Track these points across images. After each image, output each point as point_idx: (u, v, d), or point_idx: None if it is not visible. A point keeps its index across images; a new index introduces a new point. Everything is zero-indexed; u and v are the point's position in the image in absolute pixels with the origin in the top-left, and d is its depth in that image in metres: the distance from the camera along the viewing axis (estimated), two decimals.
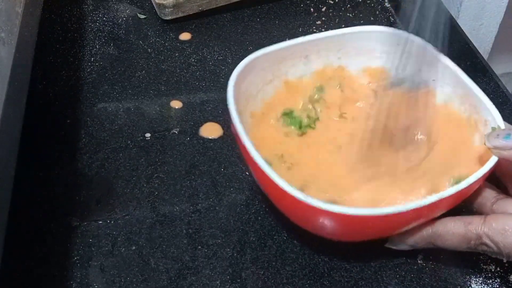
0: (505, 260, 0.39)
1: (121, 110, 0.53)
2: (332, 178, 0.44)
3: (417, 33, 0.43)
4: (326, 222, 0.38)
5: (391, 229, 0.40)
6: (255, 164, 0.38)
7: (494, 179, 0.42)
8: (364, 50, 0.48)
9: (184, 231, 0.44)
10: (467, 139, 0.43)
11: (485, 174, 0.38)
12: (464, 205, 0.41)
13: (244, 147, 0.39)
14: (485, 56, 0.94)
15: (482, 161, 0.40)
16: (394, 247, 0.41)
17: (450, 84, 0.45)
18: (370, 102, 0.48)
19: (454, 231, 0.38)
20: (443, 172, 0.42)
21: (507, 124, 0.41)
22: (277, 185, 0.37)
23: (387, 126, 0.46)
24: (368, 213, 0.36)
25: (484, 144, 0.39)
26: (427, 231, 0.39)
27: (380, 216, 0.36)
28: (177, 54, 0.59)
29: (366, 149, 0.45)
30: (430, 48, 0.45)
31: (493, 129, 0.40)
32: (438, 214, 0.39)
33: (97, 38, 0.61)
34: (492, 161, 0.38)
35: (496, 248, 0.37)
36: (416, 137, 0.46)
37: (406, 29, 0.43)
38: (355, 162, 0.45)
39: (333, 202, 0.39)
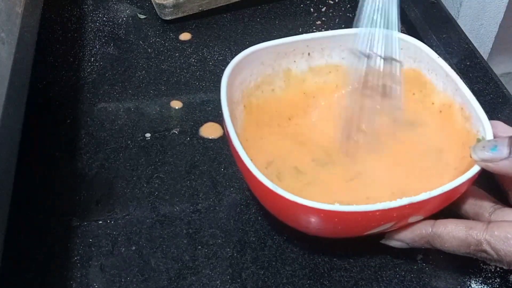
0: (505, 268, 0.38)
1: (121, 110, 0.53)
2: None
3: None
4: (292, 212, 0.38)
5: (356, 228, 0.39)
6: (234, 149, 0.39)
7: (494, 185, 0.42)
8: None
9: (184, 231, 0.44)
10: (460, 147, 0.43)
11: (462, 184, 0.37)
12: (460, 215, 0.41)
13: (227, 132, 0.40)
14: (485, 56, 0.94)
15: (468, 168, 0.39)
16: (389, 244, 0.41)
17: (451, 90, 0.45)
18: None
19: (455, 234, 0.37)
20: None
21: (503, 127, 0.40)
22: (251, 172, 0.37)
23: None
24: (329, 208, 0.35)
25: (470, 156, 0.38)
26: (427, 230, 0.38)
27: (343, 212, 0.36)
28: (177, 54, 0.59)
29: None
30: (430, 52, 0.45)
31: (478, 140, 0.39)
32: (415, 219, 0.39)
33: (97, 38, 0.61)
34: (472, 171, 0.37)
35: (496, 255, 0.36)
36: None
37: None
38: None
39: None
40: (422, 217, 0.39)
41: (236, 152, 0.39)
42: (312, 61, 0.48)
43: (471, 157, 0.38)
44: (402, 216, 0.37)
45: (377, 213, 0.36)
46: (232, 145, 0.39)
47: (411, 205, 0.36)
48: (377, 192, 0.42)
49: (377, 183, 0.43)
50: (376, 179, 0.44)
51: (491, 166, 0.37)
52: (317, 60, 0.48)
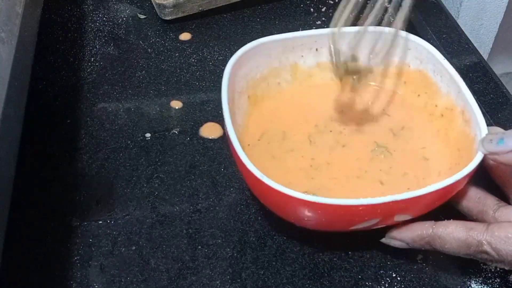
0: (506, 268, 0.38)
1: (121, 110, 0.53)
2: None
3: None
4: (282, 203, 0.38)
5: (341, 222, 0.39)
6: (230, 141, 0.39)
7: (494, 187, 0.42)
8: (374, 50, 0.48)
9: (184, 231, 0.44)
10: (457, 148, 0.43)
11: (449, 186, 0.37)
12: (463, 213, 0.41)
13: (226, 129, 0.41)
14: (485, 56, 0.94)
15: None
16: (389, 243, 0.41)
17: (454, 93, 0.45)
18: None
19: (455, 234, 0.37)
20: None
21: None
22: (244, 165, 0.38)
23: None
24: (313, 200, 0.36)
25: (478, 150, 0.38)
26: (427, 231, 0.38)
27: (326, 205, 0.36)
28: (177, 54, 0.59)
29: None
30: (437, 54, 0.45)
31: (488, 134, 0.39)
32: (402, 217, 0.39)
33: (97, 38, 0.61)
34: (462, 173, 0.37)
35: (497, 256, 0.36)
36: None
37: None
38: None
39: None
40: (410, 217, 0.39)
41: (232, 145, 0.39)
42: (320, 56, 0.48)
43: (479, 150, 0.38)
44: (386, 213, 0.38)
45: (360, 208, 0.36)
46: (229, 140, 0.39)
47: (395, 203, 0.36)
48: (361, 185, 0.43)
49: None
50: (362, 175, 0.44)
51: (498, 159, 0.38)
52: (325, 56, 0.48)
